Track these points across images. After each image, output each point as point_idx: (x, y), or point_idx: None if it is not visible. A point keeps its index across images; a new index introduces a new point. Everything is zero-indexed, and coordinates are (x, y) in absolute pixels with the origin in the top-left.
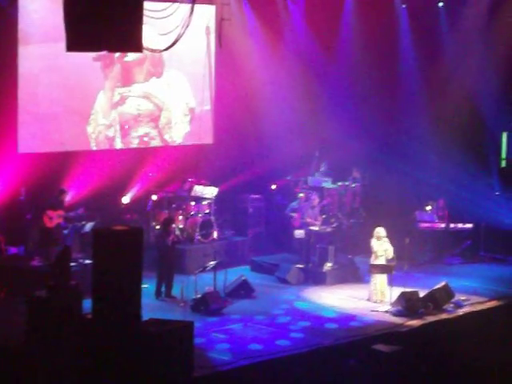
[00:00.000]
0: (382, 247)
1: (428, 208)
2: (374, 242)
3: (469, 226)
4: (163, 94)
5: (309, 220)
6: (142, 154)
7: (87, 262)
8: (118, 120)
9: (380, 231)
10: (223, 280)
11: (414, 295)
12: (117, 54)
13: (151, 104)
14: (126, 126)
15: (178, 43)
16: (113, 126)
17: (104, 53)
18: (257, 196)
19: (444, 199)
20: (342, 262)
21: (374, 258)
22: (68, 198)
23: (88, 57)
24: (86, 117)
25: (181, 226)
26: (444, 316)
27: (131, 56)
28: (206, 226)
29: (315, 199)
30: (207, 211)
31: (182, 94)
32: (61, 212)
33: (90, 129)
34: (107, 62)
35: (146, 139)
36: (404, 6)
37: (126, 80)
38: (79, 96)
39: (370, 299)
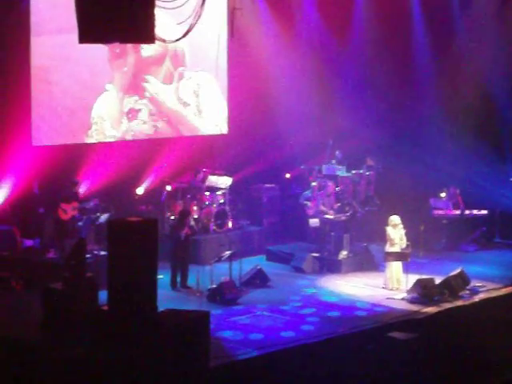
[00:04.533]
0: (397, 235)
1: (443, 195)
2: (389, 230)
3: (484, 212)
4: (191, 114)
5: (324, 208)
6: (156, 145)
7: (102, 253)
8: (132, 135)
9: (395, 219)
10: (238, 269)
11: (429, 282)
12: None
13: (172, 130)
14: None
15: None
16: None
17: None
18: (271, 185)
19: (455, 186)
20: (357, 250)
21: (389, 246)
22: (81, 188)
23: (102, 49)
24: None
25: (196, 217)
26: (460, 303)
27: (148, 50)
28: (220, 216)
29: (331, 187)
30: (222, 201)
31: (215, 114)
32: (75, 204)
33: (91, 140)
34: (117, 52)
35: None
36: None
37: (139, 85)
38: (92, 88)
39: (386, 287)
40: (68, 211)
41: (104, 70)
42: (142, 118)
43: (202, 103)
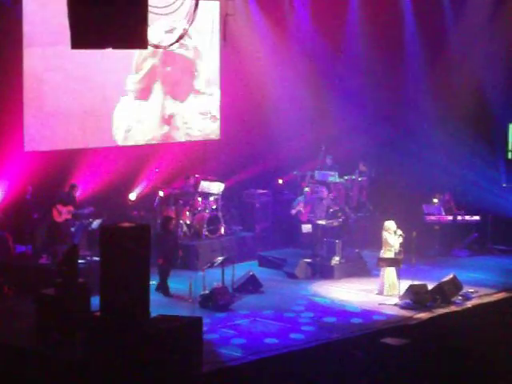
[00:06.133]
0: (397, 241)
1: (435, 201)
2: (388, 236)
3: (476, 218)
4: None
5: (317, 213)
6: (149, 151)
7: (95, 259)
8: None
9: (392, 225)
10: (231, 275)
11: (422, 288)
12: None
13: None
14: None
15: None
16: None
17: None
18: (264, 191)
19: (450, 192)
20: (350, 256)
21: (384, 251)
22: (78, 193)
23: (93, 54)
24: (92, 115)
25: (188, 222)
26: (452, 308)
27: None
28: (213, 222)
29: (323, 192)
30: (214, 207)
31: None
32: (71, 208)
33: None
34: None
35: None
36: None
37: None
38: (84, 94)
39: (381, 293)
40: (63, 214)
41: (96, 76)
42: (176, 124)
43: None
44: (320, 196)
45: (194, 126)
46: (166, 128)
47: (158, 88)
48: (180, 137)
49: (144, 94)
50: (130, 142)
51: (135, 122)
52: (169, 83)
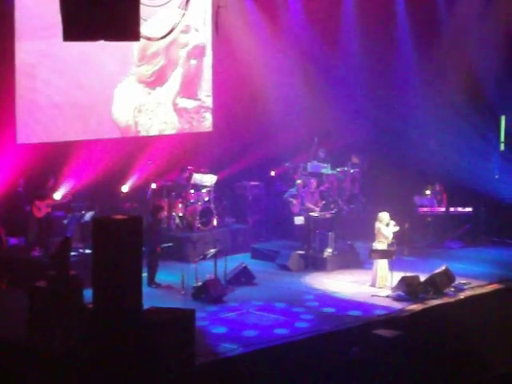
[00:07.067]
0: (390, 232)
1: (427, 192)
2: (381, 227)
3: (468, 209)
4: None
5: (309, 205)
6: (141, 143)
7: (87, 251)
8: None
9: (386, 216)
10: (224, 267)
11: (414, 280)
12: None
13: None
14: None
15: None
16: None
17: None
18: (256, 183)
19: (441, 183)
20: (342, 248)
21: (377, 243)
22: (56, 185)
23: (86, 47)
24: (85, 107)
25: (180, 214)
26: (445, 300)
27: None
28: (205, 214)
29: (313, 184)
30: (207, 199)
31: None
32: (49, 201)
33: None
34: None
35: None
36: None
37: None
38: (77, 87)
39: (373, 284)
40: (42, 209)
41: (89, 68)
42: (182, 114)
43: None
44: (309, 188)
45: (195, 117)
46: (175, 117)
47: (176, 77)
48: (183, 126)
49: (160, 81)
50: (141, 131)
51: (145, 109)
52: (187, 76)
